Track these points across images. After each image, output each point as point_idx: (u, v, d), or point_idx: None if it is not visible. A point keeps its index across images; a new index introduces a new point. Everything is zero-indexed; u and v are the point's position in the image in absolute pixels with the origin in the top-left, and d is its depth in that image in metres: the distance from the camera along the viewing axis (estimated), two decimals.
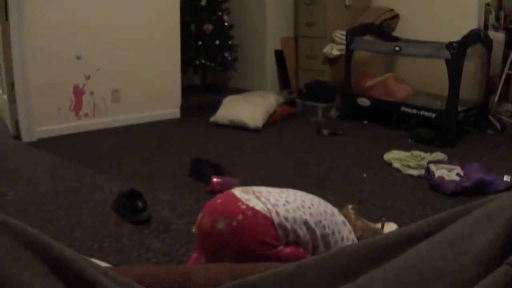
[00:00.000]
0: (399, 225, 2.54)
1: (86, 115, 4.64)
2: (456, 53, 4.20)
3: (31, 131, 4.29)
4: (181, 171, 3.49)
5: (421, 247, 0.84)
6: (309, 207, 1.71)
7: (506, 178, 3.26)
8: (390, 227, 2.54)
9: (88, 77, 4.57)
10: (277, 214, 1.61)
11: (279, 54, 6.36)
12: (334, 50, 5.55)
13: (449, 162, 3.57)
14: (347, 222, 1.86)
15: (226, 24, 6.11)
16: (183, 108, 5.30)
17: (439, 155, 3.80)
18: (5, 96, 4.44)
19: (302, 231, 1.63)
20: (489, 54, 4.69)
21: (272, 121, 4.99)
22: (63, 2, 4.31)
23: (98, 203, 2.92)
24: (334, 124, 4.97)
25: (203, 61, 5.97)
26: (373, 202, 3.02)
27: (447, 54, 4.23)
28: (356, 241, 1.82)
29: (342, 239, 1.77)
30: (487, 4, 5.50)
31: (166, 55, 5.12)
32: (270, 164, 3.73)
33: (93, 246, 2.38)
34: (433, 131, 4.30)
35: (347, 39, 5.12)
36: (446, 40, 4.29)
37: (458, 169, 3.38)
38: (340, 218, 1.83)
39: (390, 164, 3.71)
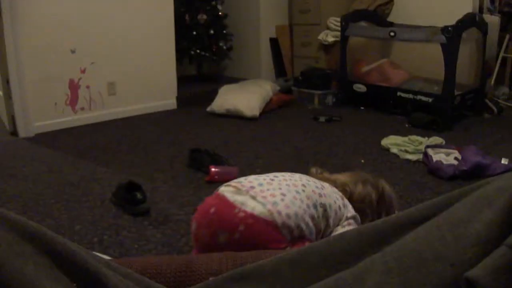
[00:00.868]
0: (398, 210, 2.55)
1: (82, 108, 4.63)
2: (451, 37, 4.20)
3: (28, 126, 4.28)
4: (179, 162, 3.49)
5: (420, 230, 0.84)
6: (303, 190, 1.63)
7: (503, 161, 3.27)
8: None
9: (83, 71, 4.56)
10: (279, 213, 1.52)
11: (274, 42, 6.35)
12: (329, 36, 5.54)
13: (447, 146, 3.58)
14: (329, 185, 1.81)
15: (220, 13, 6.10)
16: (179, 99, 5.29)
17: (436, 140, 3.81)
18: (0, 92, 4.43)
19: (305, 223, 1.56)
20: (484, 37, 4.69)
21: (268, 109, 4.99)
22: None
23: (97, 196, 2.92)
24: (330, 111, 4.97)
25: (198, 51, 5.96)
26: None
27: (443, 39, 4.23)
28: (340, 199, 1.76)
29: (339, 207, 1.71)
30: None
31: (161, 46, 5.11)
32: (268, 152, 3.74)
33: (93, 240, 2.38)
34: (430, 116, 4.31)
35: (341, 26, 5.12)
36: (441, 24, 4.29)
37: (456, 153, 3.39)
38: (327, 186, 1.78)
39: (387, 150, 3.72)
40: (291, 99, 5.44)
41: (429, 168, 3.26)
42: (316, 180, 1.78)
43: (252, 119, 4.73)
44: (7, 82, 4.18)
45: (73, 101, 4.55)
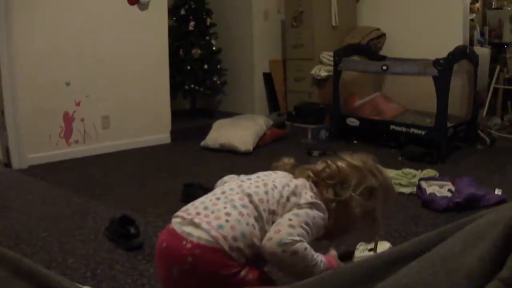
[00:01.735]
0: (393, 244, 2.54)
1: (76, 141, 4.63)
2: (443, 69, 4.24)
3: (21, 158, 4.28)
4: (173, 196, 3.48)
5: (413, 265, 0.84)
6: (250, 201, 1.59)
7: (497, 191, 3.27)
8: (383, 246, 2.53)
9: (78, 104, 4.58)
10: (225, 238, 1.49)
11: (267, 77, 6.40)
12: (322, 71, 5.59)
13: (441, 178, 3.58)
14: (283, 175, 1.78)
15: (214, 48, 6.15)
16: (173, 133, 5.30)
17: (430, 172, 3.81)
18: None
19: (257, 238, 1.53)
20: (475, 69, 4.74)
21: (262, 143, 5.00)
22: (52, 29, 4.34)
23: (91, 230, 2.90)
24: (324, 145, 4.98)
25: (192, 85, 5.99)
26: None
27: (434, 71, 4.28)
28: (290, 188, 1.68)
29: (288, 198, 1.64)
30: (472, 20, 5.59)
31: (155, 81, 5.14)
32: None
33: (86, 274, 2.36)
34: (423, 148, 4.32)
35: (334, 60, 5.16)
36: (433, 57, 4.34)
37: (449, 185, 3.39)
38: (280, 178, 1.74)
39: None
40: (284, 133, 5.45)
41: (423, 201, 3.26)
42: (271, 177, 1.74)
43: (246, 153, 4.73)
44: (2, 113, 4.20)
45: (67, 133, 4.56)
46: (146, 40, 4.98)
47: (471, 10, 5.70)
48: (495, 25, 6.48)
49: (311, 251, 1.54)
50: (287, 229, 1.52)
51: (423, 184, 3.41)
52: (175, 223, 1.60)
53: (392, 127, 4.70)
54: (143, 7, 4.90)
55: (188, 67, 5.92)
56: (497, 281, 0.73)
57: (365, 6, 6.07)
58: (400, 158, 4.38)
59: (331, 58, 5.32)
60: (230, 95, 6.55)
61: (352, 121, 5.03)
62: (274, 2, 6.36)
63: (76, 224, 3.00)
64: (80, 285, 1.31)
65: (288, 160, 1.94)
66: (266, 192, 1.63)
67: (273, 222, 1.57)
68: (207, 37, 6.09)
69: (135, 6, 4.85)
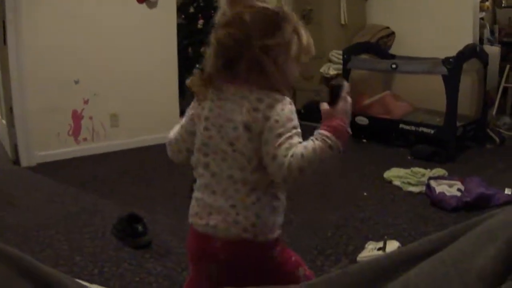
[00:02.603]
0: (402, 243, 2.53)
1: (85, 139, 4.63)
2: (452, 68, 4.22)
3: (30, 156, 4.29)
4: (181, 194, 3.47)
5: (423, 266, 0.83)
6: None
7: (507, 191, 3.25)
8: (392, 245, 2.53)
9: (86, 102, 4.58)
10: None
11: None
12: (331, 70, 5.57)
13: (450, 177, 3.56)
14: None
15: None
16: None
17: (439, 171, 3.79)
18: (3, 121, 4.44)
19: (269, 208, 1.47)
20: (485, 68, 4.71)
21: None
22: (61, 27, 4.34)
23: (98, 227, 2.90)
24: None
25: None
26: (374, 220, 3.01)
27: (444, 70, 4.25)
28: None
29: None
30: (482, 19, 5.55)
31: (164, 79, 5.13)
32: None
33: (94, 271, 2.36)
34: (432, 147, 4.30)
35: (343, 59, 5.14)
36: (442, 56, 4.31)
37: (459, 184, 3.37)
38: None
39: (390, 182, 3.70)
40: None
41: (432, 200, 3.24)
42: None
43: None
44: (11, 110, 4.21)
45: (75, 131, 4.56)
46: (155, 38, 4.98)
47: (481, 9, 5.65)
48: (505, 23, 6.43)
49: (306, 151, 1.38)
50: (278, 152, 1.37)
51: (432, 183, 3.39)
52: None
53: (401, 126, 4.68)
54: (152, 5, 4.90)
55: (197, 66, 5.92)
56: (510, 282, 0.71)
57: (375, 4, 6.03)
58: (409, 157, 4.36)
59: (340, 57, 5.30)
60: None
61: (361, 120, 5.01)
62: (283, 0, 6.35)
63: (84, 222, 3.00)
64: (83, 283, 1.31)
65: None
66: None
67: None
68: None
69: (144, 4, 4.84)
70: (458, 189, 3.30)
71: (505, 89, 5.43)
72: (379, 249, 2.53)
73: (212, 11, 5.98)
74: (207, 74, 1.46)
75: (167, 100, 5.17)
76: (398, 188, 3.59)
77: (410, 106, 4.95)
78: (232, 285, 1.30)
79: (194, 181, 3.54)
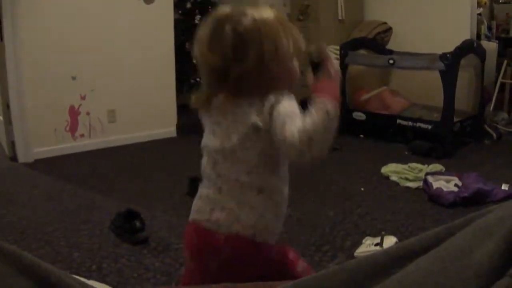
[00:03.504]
0: (399, 238, 2.54)
1: (82, 135, 4.63)
2: (450, 64, 4.22)
3: (27, 152, 4.28)
4: (179, 190, 3.47)
5: (421, 262, 0.83)
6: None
7: (504, 186, 3.26)
8: (389, 240, 2.53)
9: (83, 97, 4.57)
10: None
11: None
12: None
13: (447, 173, 3.57)
14: None
15: None
16: (179, 127, 5.29)
17: (436, 167, 3.80)
18: (0, 117, 4.43)
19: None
20: (482, 64, 4.71)
21: None
22: (58, 23, 4.33)
23: (96, 224, 2.90)
24: None
25: (198, 79, 5.98)
26: (372, 216, 3.02)
27: (441, 66, 4.25)
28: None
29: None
30: (479, 14, 5.54)
31: (161, 74, 5.13)
32: None
33: (92, 267, 2.36)
34: (429, 143, 4.30)
35: (341, 54, 5.14)
36: (440, 51, 4.31)
37: (456, 180, 3.38)
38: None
39: (387, 177, 3.71)
40: None
41: (430, 196, 3.25)
42: None
43: None
44: (8, 107, 4.20)
45: (73, 127, 4.56)
46: (152, 34, 4.97)
47: (479, 4, 5.65)
48: (502, 19, 6.44)
49: (308, 122, 1.41)
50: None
51: (430, 178, 3.40)
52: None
53: (398, 121, 4.68)
54: (149, 1, 4.89)
55: (194, 61, 5.91)
56: (508, 278, 0.71)
57: None
58: (406, 153, 4.36)
59: (338, 52, 5.29)
60: None
61: (359, 115, 5.01)
62: None
63: (82, 218, 3.00)
64: (84, 279, 1.31)
65: None
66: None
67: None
68: None
69: (141, 0, 4.84)
70: (456, 185, 3.31)
71: (502, 85, 5.42)
72: (376, 244, 2.54)
73: (209, 7, 5.98)
74: (206, 93, 1.60)
75: (165, 95, 5.17)
76: (396, 183, 3.59)
77: (407, 102, 4.95)
78: (230, 281, 1.30)
79: (193, 178, 3.54)
